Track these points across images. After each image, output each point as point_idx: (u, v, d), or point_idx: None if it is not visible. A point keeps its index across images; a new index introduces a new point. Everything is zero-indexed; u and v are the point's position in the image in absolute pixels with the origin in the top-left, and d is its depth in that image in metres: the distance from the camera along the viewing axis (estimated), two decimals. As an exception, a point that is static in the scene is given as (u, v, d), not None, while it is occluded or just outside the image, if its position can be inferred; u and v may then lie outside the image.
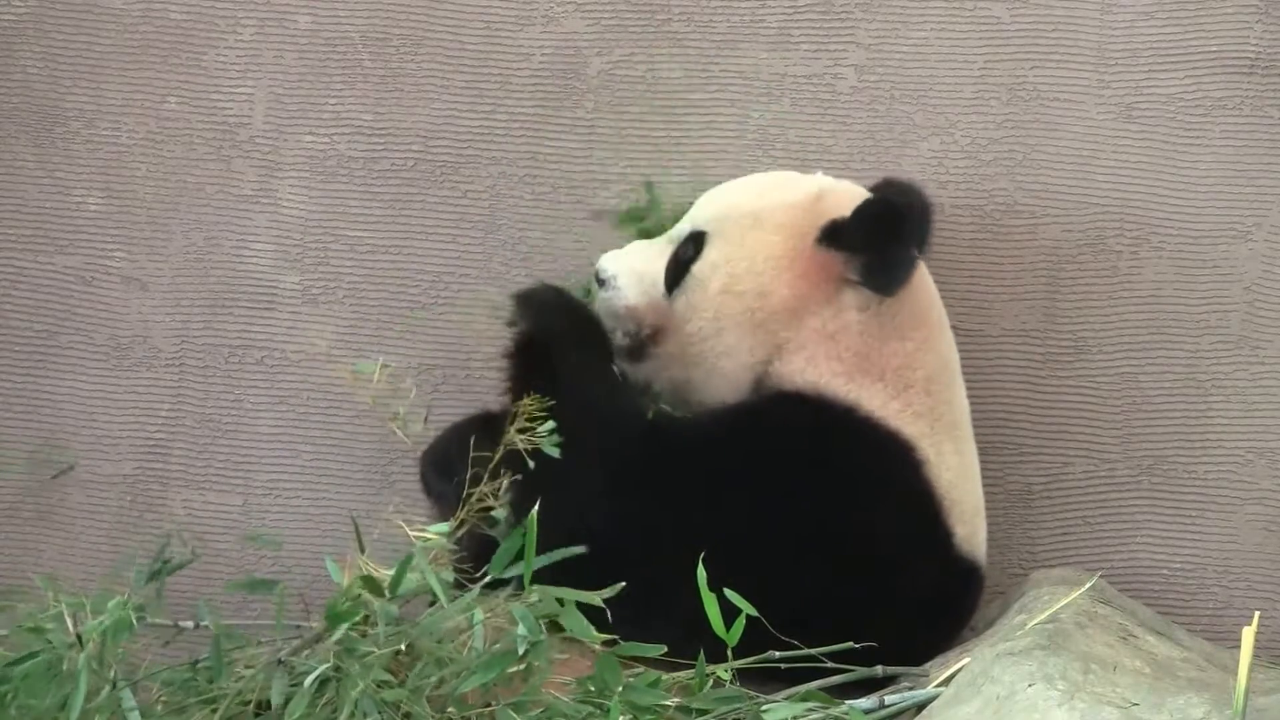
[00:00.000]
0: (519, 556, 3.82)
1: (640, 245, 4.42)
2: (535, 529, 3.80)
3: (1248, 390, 4.60)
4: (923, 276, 4.30)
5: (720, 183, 4.46)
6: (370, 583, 3.82)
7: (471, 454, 4.09)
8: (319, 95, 4.74)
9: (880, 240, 4.19)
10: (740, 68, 4.69)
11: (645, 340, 4.34)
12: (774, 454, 4.15)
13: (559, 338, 4.24)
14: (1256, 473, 4.60)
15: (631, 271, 4.36)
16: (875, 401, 4.21)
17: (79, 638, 3.72)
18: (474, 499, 4.05)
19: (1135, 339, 4.63)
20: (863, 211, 4.22)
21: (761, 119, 4.67)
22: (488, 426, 4.26)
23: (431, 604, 3.85)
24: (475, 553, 4.03)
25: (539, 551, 3.82)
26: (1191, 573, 4.61)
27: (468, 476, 4.05)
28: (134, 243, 4.76)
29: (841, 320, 4.23)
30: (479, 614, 3.74)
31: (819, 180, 4.37)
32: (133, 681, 3.78)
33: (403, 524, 4.06)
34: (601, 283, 4.37)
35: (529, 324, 4.28)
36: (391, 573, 3.84)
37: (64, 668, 3.72)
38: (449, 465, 4.24)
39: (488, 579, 3.86)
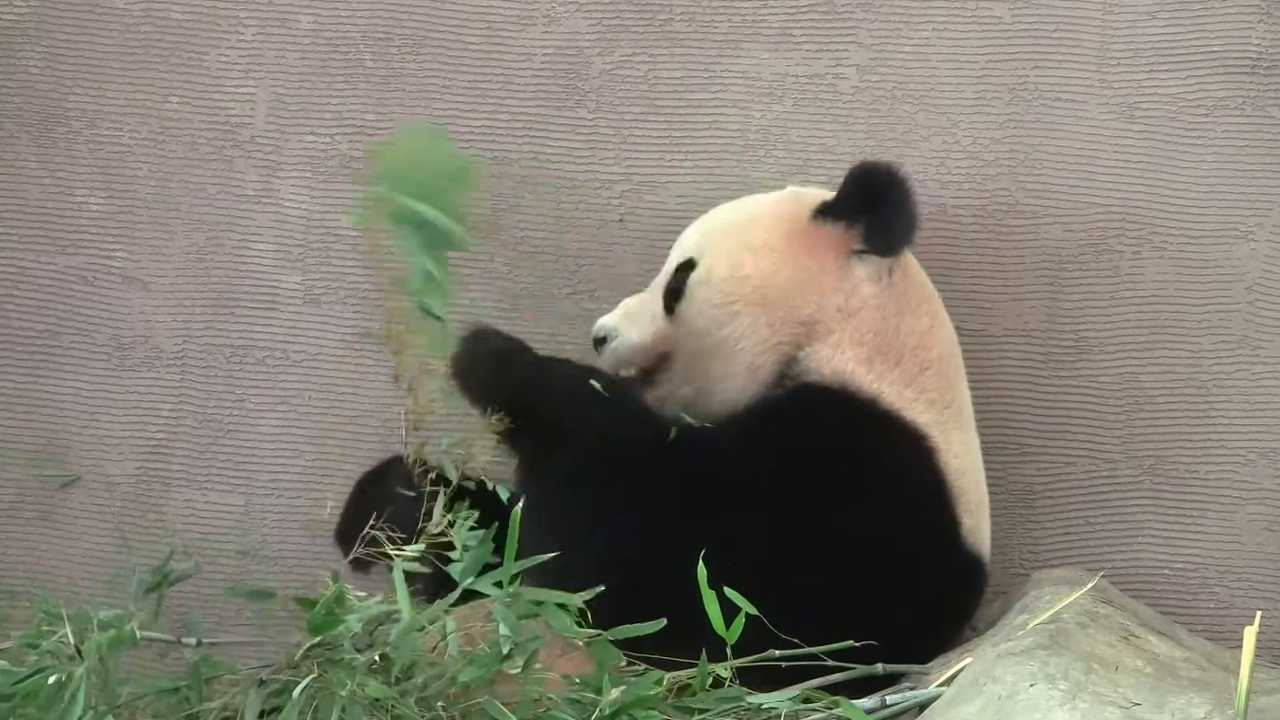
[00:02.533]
0: (491, 565, 3.83)
1: (631, 298, 4.42)
2: (517, 529, 3.79)
3: (1249, 390, 4.60)
4: (913, 262, 4.31)
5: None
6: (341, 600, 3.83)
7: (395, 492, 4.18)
8: (321, 95, 4.74)
9: (876, 200, 4.22)
10: (742, 68, 4.69)
11: (648, 370, 4.34)
12: (801, 452, 4.13)
13: (543, 388, 4.23)
14: (1258, 473, 4.60)
15: (628, 316, 4.37)
16: (894, 390, 4.21)
17: (79, 651, 3.71)
18: (433, 529, 4.08)
19: (1137, 339, 4.63)
20: (853, 176, 4.25)
21: (763, 119, 4.67)
22: (385, 477, 4.32)
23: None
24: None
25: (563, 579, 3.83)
26: (1193, 573, 4.61)
27: (422, 511, 4.10)
28: (136, 243, 4.76)
29: (860, 297, 4.24)
30: (452, 623, 3.74)
31: (791, 189, 4.41)
32: (114, 707, 3.74)
33: (382, 537, 4.06)
34: (601, 341, 4.37)
35: (501, 393, 4.24)
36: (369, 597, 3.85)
37: (64, 682, 3.70)
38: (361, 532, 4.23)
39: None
